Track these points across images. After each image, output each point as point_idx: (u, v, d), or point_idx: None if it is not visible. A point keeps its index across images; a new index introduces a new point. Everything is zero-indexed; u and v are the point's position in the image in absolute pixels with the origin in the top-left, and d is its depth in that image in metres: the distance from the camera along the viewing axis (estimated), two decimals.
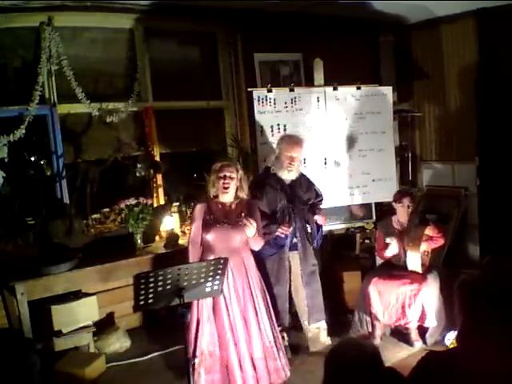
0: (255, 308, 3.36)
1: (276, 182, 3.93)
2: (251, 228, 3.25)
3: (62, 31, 4.14)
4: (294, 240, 3.92)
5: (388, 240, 4.12)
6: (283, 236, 3.84)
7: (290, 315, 4.03)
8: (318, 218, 3.98)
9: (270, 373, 3.36)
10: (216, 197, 3.38)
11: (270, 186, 3.91)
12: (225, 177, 3.31)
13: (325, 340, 4.03)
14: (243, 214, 3.32)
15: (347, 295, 4.71)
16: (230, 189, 3.33)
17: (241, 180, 3.37)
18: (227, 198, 3.38)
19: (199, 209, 3.36)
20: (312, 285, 4.01)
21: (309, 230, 4.05)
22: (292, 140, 3.98)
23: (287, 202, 3.90)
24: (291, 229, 3.84)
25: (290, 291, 3.98)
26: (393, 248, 4.11)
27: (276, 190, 3.91)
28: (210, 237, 3.30)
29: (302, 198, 3.98)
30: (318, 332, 4.03)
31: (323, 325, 4.05)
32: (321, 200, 4.16)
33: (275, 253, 3.87)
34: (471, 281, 1.60)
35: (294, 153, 3.88)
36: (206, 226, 3.31)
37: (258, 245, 3.46)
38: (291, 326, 4.06)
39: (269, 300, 3.49)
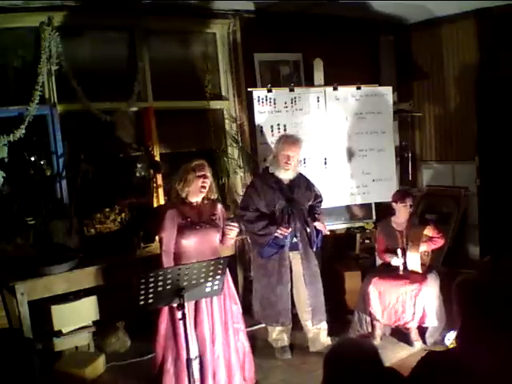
0: (232, 308, 3.33)
1: (274, 182, 3.93)
2: (235, 231, 3.27)
3: (62, 31, 4.14)
4: (294, 240, 3.91)
5: (395, 260, 4.10)
6: (282, 237, 3.84)
7: (292, 315, 4.02)
8: (318, 225, 3.96)
9: (244, 378, 3.34)
10: (185, 199, 3.25)
11: (269, 186, 3.91)
12: (204, 176, 3.22)
13: (325, 340, 4.03)
14: (217, 216, 3.31)
15: (347, 295, 4.71)
16: (206, 188, 3.24)
17: (211, 181, 3.30)
18: (198, 198, 3.28)
19: (172, 215, 3.17)
20: (314, 285, 4.01)
21: (308, 231, 4.06)
22: (289, 139, 3.98)
23: (285, 202, 3.90)
24: (290, 230, 3.84)
25: (291, 291, 3.98)
26: (397, 261, 4.09)
27: (274, 190, 3.90)
28: (188, 241, 3.17)
29: (300, 198, 3.97)
30: (319, 332, 4.03)
31: (324, 325, 4.05)
32: (320, 201, 4.16)
33: (275, 253, 3.87)
34: (470, 281, 1.60)
35: (290, 152, 3.87)
36: (184, 230, 3.17)
37: (228, 242, 3.46)
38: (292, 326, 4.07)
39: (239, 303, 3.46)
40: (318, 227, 3.96)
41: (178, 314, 2.74)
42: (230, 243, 3.51)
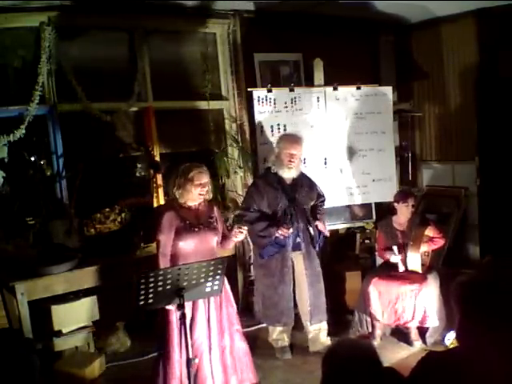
0: (228, 310, 3.32)
1: (277, 182, 3.93)
2: (243, 234, 3.30)
3: (62, 31, 4.14)
4: (298, 240, 3.91)
5: (394, 257, 4.10)
6: (283, 238, 3.83)
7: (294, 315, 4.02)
8: (319, 225, 3.97)
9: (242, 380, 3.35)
10: (183, 203, 3.25)
11: (271, 186, 3.91)
12: (202, 185, 3.21)
13: (324, 340, 4.03)
14: (214, 218, 3.32)
15: (347, 295, 4.71)
16: (204, 196, 3.26)
17: (208, 183, 3.31)
18: (196, 202, 3.28)
19: (169, 217, 3.16)
20: (316, 285, 4.00)
21: (311, 231, 4.06)
22: (291, 138, 4.01)
23: (288, 201, 3.90)
24: (291, 230, 3.83)
25: (293, 291, 3.98)
26: (396, 258, 4.08)
27: (277, 190, 3.91)
28: (186, 243, 3.16)
29: (303, 197, 3.97)
30: (319, 332, 4.03)
31: (324, 325, 4.05)
32: (323, 201, 4.16)
33: (277, 252, 3.87)
34: (470, 281, 1.60)
35: (293, 150, 3.89)
36: (181, 232, 3.16)
37: (230, 245, 3.48)
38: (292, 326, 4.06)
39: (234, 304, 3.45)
40: (319, 227, 3.97)
41: (178, 314, 2.74)
42: (231, 246, 3.52)
